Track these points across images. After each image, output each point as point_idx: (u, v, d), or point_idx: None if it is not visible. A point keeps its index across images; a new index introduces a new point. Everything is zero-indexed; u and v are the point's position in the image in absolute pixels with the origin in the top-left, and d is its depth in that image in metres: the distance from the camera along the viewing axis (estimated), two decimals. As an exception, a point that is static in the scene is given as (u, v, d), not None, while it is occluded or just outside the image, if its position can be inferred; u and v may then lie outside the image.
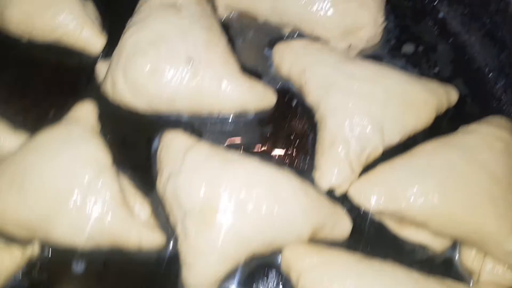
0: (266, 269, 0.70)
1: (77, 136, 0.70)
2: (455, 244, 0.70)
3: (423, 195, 0.65)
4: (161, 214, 0.71)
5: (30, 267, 0.70)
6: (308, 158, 0.77)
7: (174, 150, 0.69)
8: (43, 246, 0.70)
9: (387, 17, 0.84)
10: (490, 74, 0.85)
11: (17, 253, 0.67)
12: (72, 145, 0.69)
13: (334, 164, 0.70)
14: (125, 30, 0.77)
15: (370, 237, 0.72)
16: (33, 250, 0.68)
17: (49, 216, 0.65)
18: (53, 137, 0.71)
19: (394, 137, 0.72)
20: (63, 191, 0.65)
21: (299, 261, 0.63)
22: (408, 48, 0.86)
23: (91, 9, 0.85)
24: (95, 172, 0.66)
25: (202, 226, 0.63)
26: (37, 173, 0.66)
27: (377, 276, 0.60)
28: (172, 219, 0.68)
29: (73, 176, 0.66)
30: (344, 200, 0.71)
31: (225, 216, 0.63)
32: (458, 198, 0.65)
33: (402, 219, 0.68)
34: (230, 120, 0.79)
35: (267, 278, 0.70)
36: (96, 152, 0.68)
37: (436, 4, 0.89)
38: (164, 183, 0.67)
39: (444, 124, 0.77)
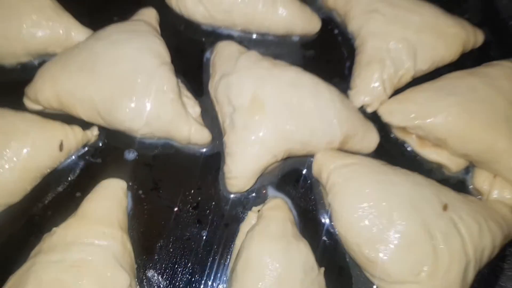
0: (297, 176, 0.76)
1: (143, 31, 0.76)
2: (468, 168, 0.76)
3: (445, 111, 0.70)
4: (207, 117, 0.77)
5: (86, 150, 0.76)
6: (344, 82, 0.81)
7: (228, 55, 0.76)
8: (100, 133, 0.76)
9: None
10: None
11: (79, 133, 0.73)
12: (138, 37, 0.74)
13: (369, 83, 0.76)
14: None
15: (393, 155, 0.77)
16: (92, 133, 0.75)
17: (113, 97, 0.70)
18: (121, 29, 0.76)
19: (425, 63, 0.78)
20: (129, 75, 0.71)
21: (331, 162, 0.69)
22: None
23: None
24: (157, 63, 0.72)
25: (249, 119, 0.69)
26: (107, 58, 0.71)
27: (400, 175, 0.66)
28: (220, 116, 0.74)
29: (138, 63, 0.71)
30: (374, 120, 0.76)
31: (269, 112, 0.69)
32: (476, 116, 0.70)
33: (425, 137, 0.74)
34: (276, 40, 0.84)
35: (298, 183, 0.75)
36: (158, 47, 0.74)
37: None
38: (216, 83, 0.74)
39: (468, 64, 0.80)
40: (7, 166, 0.66)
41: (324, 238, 0.72)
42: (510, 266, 0.71)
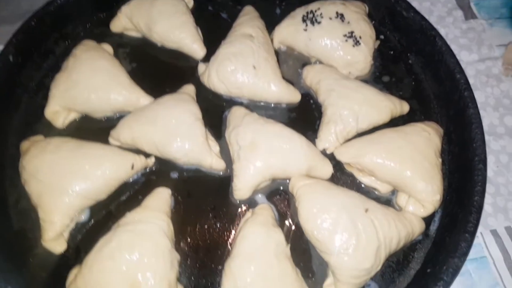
0: (280, 190, 0.95)
1: (185, 99, 0.96)
2: (393, 191, 0.95)
3: (373, 155, 0.91)
4: (223, 153, 0.97)
5: (147, 170, 0.96)
6: (314, 134, 1.00)
7: (238, 115, 0.97)
8: (156, 160, 0.95)
9: (374, 58, 1.09)
10: (433, 98, 1.08)
11: (143, 159, 0.92)
12: (182, 103, 0.95)
13: (328, 135, 0.98)
14: (219, 46, 1.04)
15: (344, 181, 0.97)
16: (151, 160, 0.94)
17: (166, 139, 0.91)
18: (172, 98, 0.97)
19: (364, 125, 0.97)
20: (176, 126, 0.91)
21: (299, 182, 0.90)
22: (385, 78, 1.10)
23: (199, 32, 1.11)
24: (194, 119, 0.92)
25: (248, 154, 0.90)
26: (163, 115, 0.92)
27: (342, 191, 0.89)
28: (231, 152, 0.94)
29: (182, 119, 0.92)
30: (330, 157, 0.96)
31: (261, 151, 0.90)
32: (394, 158, 0.90)
33: (362, 169, 0.94)
34: (271, 106, 1.04)
35: (280, 195, 0.95)
36: (195, 109, 0.95)
37: (407, 55, 1.14)
38: (230, 132, 0.95)
39: (400, 124, 0.99)
40: (100, 176, 0.87)
41: (293, 228, 0.92)
42: (419, 255, 0.91)
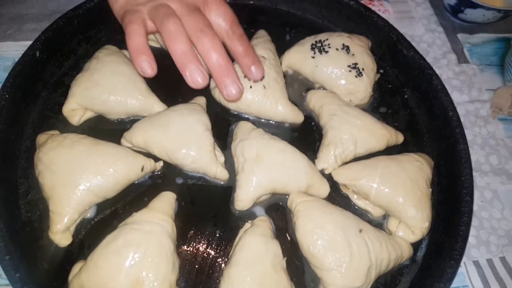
0: (280, 204, 0.98)
1: (197, 109, 0.98)
2: (385, 216, 0.98)
3: (369, 179, 0.93)
4: (227, 164, 0.99)
5: (155, 174, 0.98)
6: (314, 154, 1.03)
7: (245, 129, 1.00)
8: (163, 165, 0.98)
9: (374, 90, 1.13)
10: (426, 132, 1.12)
11: (152, 163, 0.94)
12: (194, 113, 0.97)
13: (327, 156, 1.00)
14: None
15: (339, 202, 0.99)
16: (159, 164, 0.96)
17: (176, 145, 0.93)
18: (184, 107, 0.99)
19: (362, 150, 1.01)
20: (186, 134, 0.93)
21: (297, 198, 0.91)
22: (382, 109, 1.14)
23: None
24: (203, 129, 0.94)
25: (253, 166, 0.92)
26: (175, 122, 0.94)
27: (338, 210, 0.92)
28: (236, 164, 0.96)
29: (193, 127, 0.94)
30: (328, 178, 0.99)
31: (265, 165, 0.92)
32: (389, 183, 0.93)
33: (357, 192, 0.96)
34: (275, 125, 1.08)
35: (278, 210, 0.97)
36: (205, 119, 0.96)
37: (404, 89, 1.18)
38: (236, 144, 0.97)
39: (393, 153, 1.02)
40: (111, 174, 0.88)
41: (289, 243, 0.93)
42: (405, 279, 0.94)
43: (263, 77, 0.97)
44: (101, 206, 0.92)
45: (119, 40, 1.14)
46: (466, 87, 1.31)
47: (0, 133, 0.94)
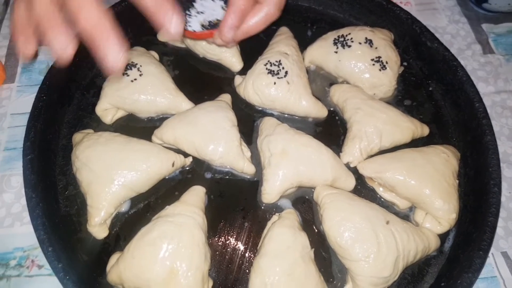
0: (304, 199, 0.98)
1: (223, 106, 1.01)
2: (411, 207, 0.97)
3: (395, 171, 0.93)
4: (253, 158, 1.01)
5: (185, 169, 1.00)
6: (339, 148, 1.04)
7: (270, 124, 1.01)
8: (193, 160, 1.00)
9: (398, 83, 1.12)
10: (451, 124, 1.10)
11: (182, 158, 0.97)
12: (221, 110, 0.99)
13: (352, 150, 1.01)
14: (257, 61, 1.08)
15: (365, 194, 0.99)
16: (189, 160, 0.99)
17: (204, 141, 0.95)
18: (211, 104, 1.01)
19: (387, 143, 1.00)
20: (214, 130, 0.95)
21: (324, 191, 0.92)
22: (407, 102, 1.13)
23: (238, 47, 1.15)
24: (230, 125, 0.96)
25: (279, 161, 0.93)
26: (203, 119, 0.96)
27: (364, 202, 0.92)
28: (262, 158, 0.98)
29: (220, 124, 0.96)
30: (354, 171, 0.99)
31: (291, 159, 0.93)
32: (412, 175, 0.92)
33: (383, 184, 0.97)
34: (298, 119, 1.08)
35: (304, 203, 0.98)
36: (231, 116, 0.98)
37: (428, 82, 1.16)
38: (262, 140, 0.99)
39: (419, 145, 1.02)
40: (144, 170, 0.90)
41: (316, 235, 0.94)
42: (433, 270, 0.93)
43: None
44: (135, 200, 0.95)
45: (145, 41, 1.19)
46: (492, 78, 1.28)
47: (39, 133, 0.99)
